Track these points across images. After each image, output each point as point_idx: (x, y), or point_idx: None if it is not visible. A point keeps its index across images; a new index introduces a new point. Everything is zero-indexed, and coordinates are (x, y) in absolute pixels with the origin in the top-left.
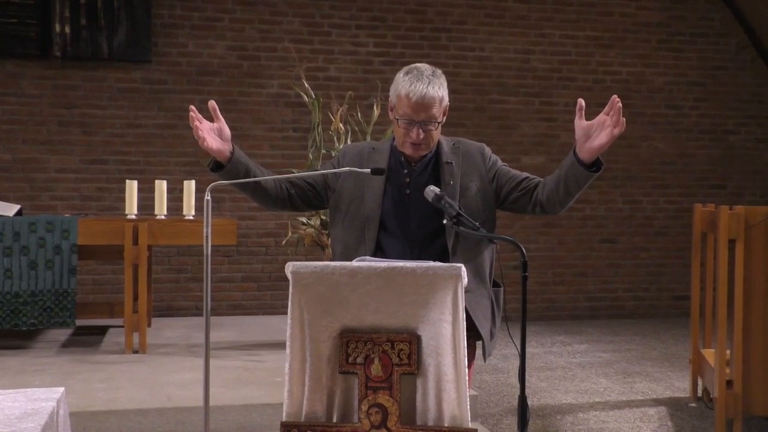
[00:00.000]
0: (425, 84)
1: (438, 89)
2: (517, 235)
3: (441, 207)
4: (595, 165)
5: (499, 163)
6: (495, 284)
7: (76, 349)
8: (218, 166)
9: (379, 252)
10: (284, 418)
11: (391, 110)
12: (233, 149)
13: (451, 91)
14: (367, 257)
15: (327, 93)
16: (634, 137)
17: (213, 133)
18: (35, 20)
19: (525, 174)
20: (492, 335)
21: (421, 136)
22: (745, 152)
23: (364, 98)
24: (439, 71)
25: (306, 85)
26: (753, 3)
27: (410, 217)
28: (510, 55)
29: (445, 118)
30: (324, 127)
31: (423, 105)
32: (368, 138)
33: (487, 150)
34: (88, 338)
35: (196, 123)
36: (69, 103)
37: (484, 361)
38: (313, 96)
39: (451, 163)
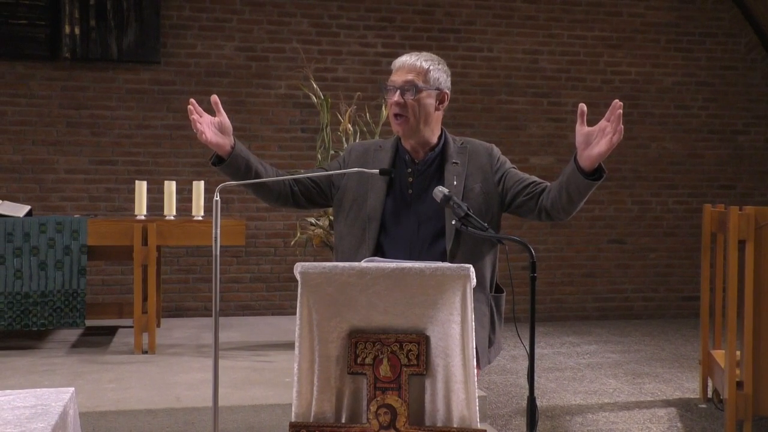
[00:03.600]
0: (410, 55)
1: (424, 62)
2: (525, 235)
3: (449, 207)
4: (596, 172)
5: (507, 165)
6: (497, 289)
7: (85, 350)
8: (219, 161)
9: (379, 253)
10: (293, 419)
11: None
12: (234, 143)
13: (459, 92)
14: (376, 258)
15: (335, 94)
16: (643, 137)
17: (213, 127)
18: (45, 21)
19: (533, 178)
20: (491, 342)
21: (398, 101)
22: (755, 152)
23: (372, 99)
24: (439, 58)
25: (314, 85)
26: (763, 3)
27: (411, 217)
28: (518, 55)
29: (442, 105)
30: (332, 128)
31: (403, 69)
32: (377, 138)
33: (496, 151)
34: (97, 338)
35: (195, 116)
36: (78, 104)
37: (480, 368)
38: (322, 97)
39: (457, 163)
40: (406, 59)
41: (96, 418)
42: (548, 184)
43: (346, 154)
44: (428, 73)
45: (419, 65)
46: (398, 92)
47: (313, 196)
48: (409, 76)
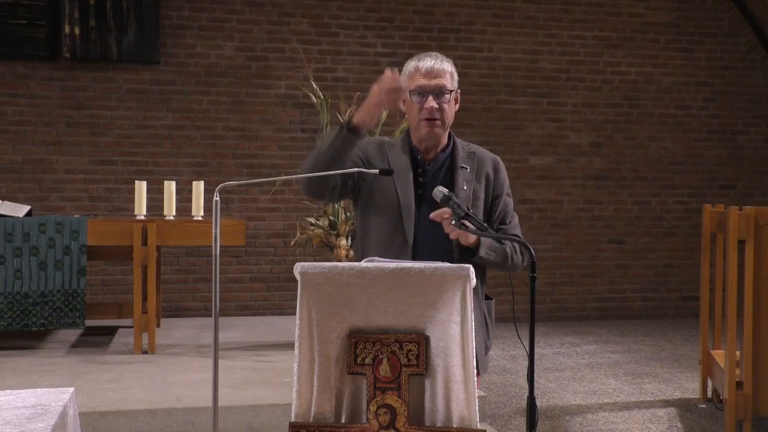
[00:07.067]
0: (433, 59)
1: (448, 65)
2: (525, 236)
3: (449, 207)
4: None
5: (506, 189)
6: (486, 297)
7: (85, 350)
8: (350, 130)
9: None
10: (293, 419)
11: (403, 102)
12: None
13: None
14: (376, 258)
15: (335, 94)
16: (643, 138)
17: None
18: (44, 21)
19: (508, 221)
20: (487, 348)
21: (435, 106)
22: (755, 152)
23: None
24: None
25: (314, 85)
26: (762, 3)
27: (420, 218)
28: (518, 55)
29: (457, 105)
30: (332, 128)
31: (434, 73)
32: (377, 137)
33: (502, 166)
34: (97, 339)
35: (393, 85)
36: (78, 104)
37: (479, 375)
38: (321, 97)
39: (466, 168)
40: (434, 64)
41: (96, 418)
42: (514, 236)
43: (363, 145)
44: (453, 76)
45: (446, 68)
46: (432, 97)
47: (347, 190)
48: (441, 81)
